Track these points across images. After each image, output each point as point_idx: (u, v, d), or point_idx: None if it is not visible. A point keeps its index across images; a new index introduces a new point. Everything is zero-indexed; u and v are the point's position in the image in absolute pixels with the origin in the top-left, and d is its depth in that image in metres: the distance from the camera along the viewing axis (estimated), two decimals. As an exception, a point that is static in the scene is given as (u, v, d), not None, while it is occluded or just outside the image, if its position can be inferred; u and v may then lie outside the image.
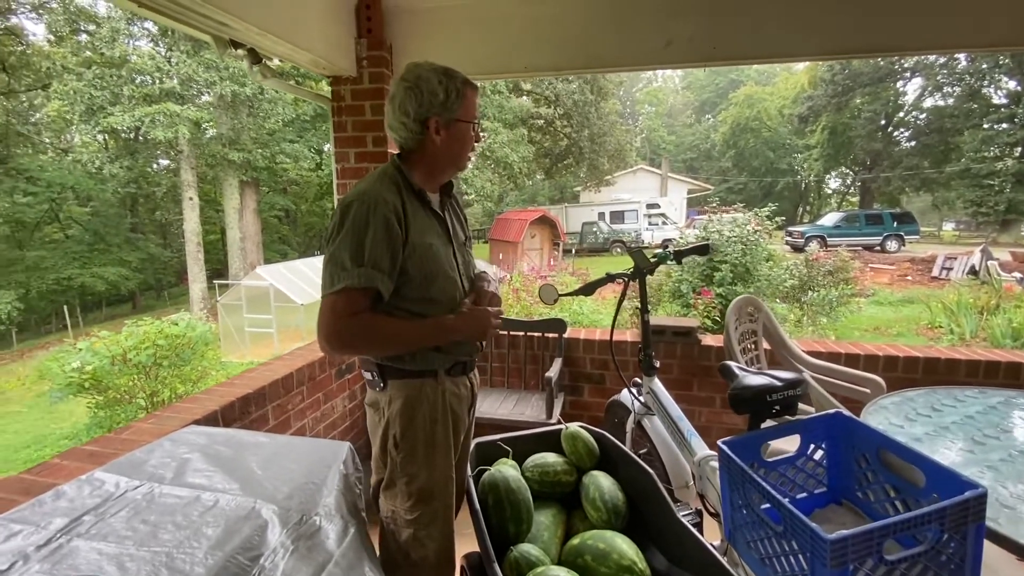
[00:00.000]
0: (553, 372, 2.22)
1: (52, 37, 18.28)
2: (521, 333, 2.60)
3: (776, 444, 1.57)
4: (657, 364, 1.91)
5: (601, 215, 22.44)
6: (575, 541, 1.39)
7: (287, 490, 1.19)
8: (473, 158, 1.25)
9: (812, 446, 1.17)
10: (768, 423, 1.28)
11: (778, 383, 1.19)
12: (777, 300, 7.84)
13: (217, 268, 19.77)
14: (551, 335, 2.56)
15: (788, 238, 17.82)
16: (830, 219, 18.74)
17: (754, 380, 1.23)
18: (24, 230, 19.10)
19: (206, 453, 1.35)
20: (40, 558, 0.97)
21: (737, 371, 1.32)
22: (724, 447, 1.08)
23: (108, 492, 1.17)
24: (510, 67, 2.48)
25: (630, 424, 2.11)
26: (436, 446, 1.24)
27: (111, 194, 20.48)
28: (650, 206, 22.24)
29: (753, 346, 2.19)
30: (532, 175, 26.32)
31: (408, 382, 1.23)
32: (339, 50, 2.42)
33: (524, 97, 21.44)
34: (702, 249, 1.86)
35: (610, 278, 1.82)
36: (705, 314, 6.31)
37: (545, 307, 7.06)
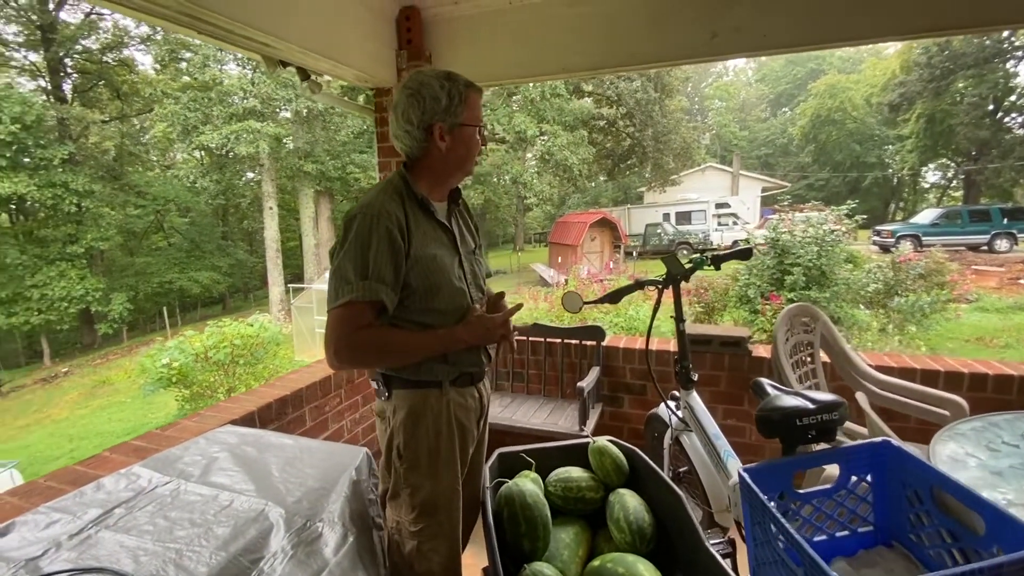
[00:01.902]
0: (587, 382, 2.14)
1: (158, 66, 20.44)
2: (558, 340, 2.53)
3: (829, 471, 1.41)
4: (695, 377, 1.79)
5: (666, 216, 21.66)
6: (595, 563, 1.32)
7: (298, 494, 1.22)
8: (480, 162, 1.23)
9: (854, 478, 1.03)
10: (807, 449, 1.14)
11: (811, 405, 1.06)
12: (860, 306, 7.18)
13: (296, 273, 21.13)
14: (589, 342, 2.48)
15: (876, 238, 16.29)
16: (926, 216, 16.92)
17: (785, 401, 1.10)
18: (134, 239, 21.43)
19: (234, 453, 1.42)
20: (71, 547, 1.05)
21: (769, 389, 1.19)
22: (744, 475, 0.98)
23: (141, 487, 1.25)
24: (549, 69, 2.44)
25: (668, 440, 1.99)
26: (440, 458, 1.22)
27: (205, 205, 22.53)
28: (719, 205, 21.17)
29: (809, 359, 1.99)
30: (593, 177, 25.98)
31: (412, 392, 1.21)
32: (379, 62, 2.49)
33: (586, 99, 21.23)
34: (744, 253, 1.72)
35: (638, 285, 1.72)
36: (774, 322, 5.90)
37: (610, 309, 6.91)
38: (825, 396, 1.08)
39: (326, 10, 2.13)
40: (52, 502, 1.19)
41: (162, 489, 1.24)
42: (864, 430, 1.55)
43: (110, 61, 21.96)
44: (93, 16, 20.19)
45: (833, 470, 1.15)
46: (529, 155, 21.65)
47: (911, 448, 1.00)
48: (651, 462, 1.52)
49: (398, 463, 1.21)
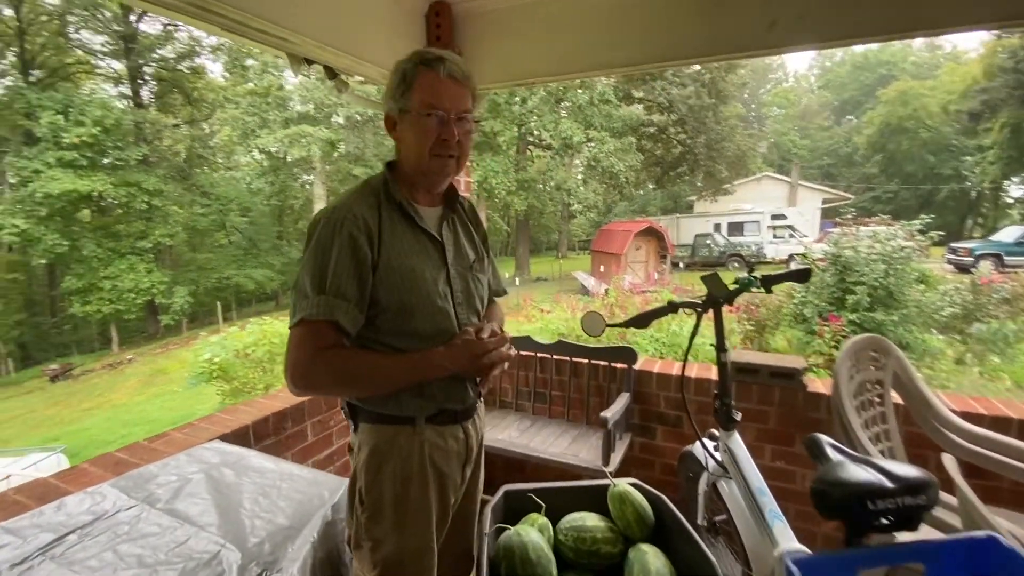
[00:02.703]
0: (613, 411, 1.92)
1: (227, 73, 21.64)
2: (584, 360, 2.32)
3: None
4: (737, 417, 1.54)
5: (717, 226, 20.75)
6: None
7: (263, 533, 1.08)
8: (456, 154, 1.02)
9: (945, 582, 0.77)
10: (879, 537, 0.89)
11: (888, 483, 0.80)
12: (933, 331, 6.50)
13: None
14: (619, 365, 2.25)
15: (951, 256, 14.94)
16: (1010, 234, 15.38)
17: (851, 472, 0.86)
18: (197, 236, 22.66)
19: (210, 475, 1.30)
20: (8, 579, 0.94)
21: (829, 451, 0.94)
22: (793, 568, 0.75)
23: (103, 510, 1.14)
24: (586, 65, 2.24)
25: (703, 484, 1.74)
26: (408, 509, 1.03)
27: (262, 206, 23.57)
28: (775, 217, 20.09)
29: (877, 400, 1.69)
30: (641, 185, 25.37)
31: (378, 428, 1.04)
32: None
33: (636, 105, 20.77)
34: (800, 275, 1.45)
35: (672, 307, 1.49)
36: (833, 343, 5.41)
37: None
38: (908, 470, 0.82)
39: (352, 6, 2.02)
40: (10, 520, 1.10)
41: (124, 515, 1.13)
42: (951, 499, 1.25)
43: (183, 69, 23.47)
44: (170, 27, 21.61)
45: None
46: (576, 161, 21.38)
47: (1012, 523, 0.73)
48: (681, 516, 1.29)
49: (359, 510, 1.03)
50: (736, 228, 20.45)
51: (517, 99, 16.14)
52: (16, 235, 16.16)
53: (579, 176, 20.61)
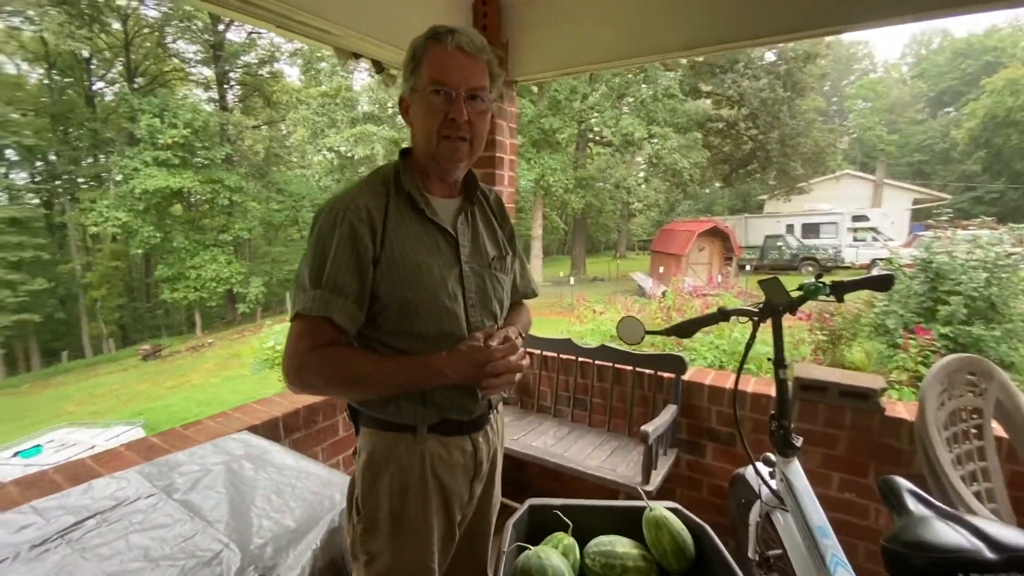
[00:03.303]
0: (655, 425, 1.76)
1: (303, 76, 22.87)
2: (628, 367, 2.16)
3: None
4: (798, 442, 1.35)
5: (790, 228, 19.38)
6: None
7: (268, 535, 1.04)
8: (468, 136, 0.92)
9: None
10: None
11: (989, 554, 0.62)
12: (1045, 350, 5.69)
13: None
14: (667, 374, 2.08)
15: (1070, 265, 13.13)
16: None
17: (939, 533, 0.68)
18: (272, 230, 24.14)
19: (230, 468, 1.29)
20: (26, 559, 0.96)
21: (910, 500, 0.76)
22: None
23: (124, 496, 1.16)
24: (640, 50, 2.09)
25: (756, 514, 1.55)
26: (405, 525, 0.94)
27: (331, 202, 24.68)
28: (856, 218, 18.50)
29: (975, 433, 1.43)
30: (707, 183, 24.28)
31: (377, 434, 0.96)
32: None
33: (704, 100, 19.88)
34: (881, 283, 1.24)
35: (723, 315, 1.32)
36: (919, 359, 4.86)
37: (710, 329, 6.21)
38: (1016, 536, 0.64)
39: (398, -2, 1.99)
40: (40, 500, 1.14)
41: (142, 503, 1.14)
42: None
43: (264, 74, 25.06)
44: (253, 35, 23.11)
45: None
46: (639, 159, 20.77)
47: None
48: (725, 552, 1.14)
49: (355, 519, 0.97)
50: (811, 230, 19.02)
51: (578, 95, 15.88)
52: (119, 227, 17.92)
53: (640, 174, 20.00)
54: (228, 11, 1.67)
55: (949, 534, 0.66)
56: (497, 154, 2.38)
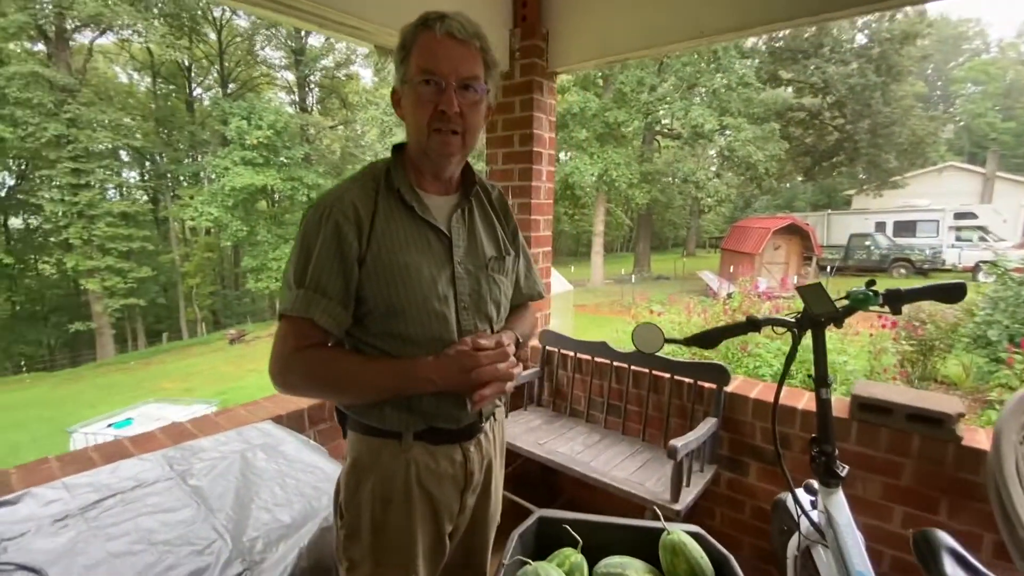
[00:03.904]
0: (689, 438, 1.62)
1: (376, 78, 23.85)
2: (666, 374, 2.02)
3: None
4: (843, 471, 1.19)
5: (880, 225, 17.60)
6: None
7: (263, 528, 1.06)
8: (460, 129, 0.86)
9: None
10: None
11: None
12: None
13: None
14: (708, 384, 1.92)
15: None
16: None
17: None
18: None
19: (244, 457, 1.33)
20: (45, 533, 1.02)
21: (948, 563, 0.62)
22: None
23: (145, 478, 1.22)
24: (681, 34, 1.94)
25: (794, 547, 1.39)
26: (387, 535, 0.91)
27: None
28: (960, 215, 16.51)
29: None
30: (787, 177, 22.70)
31: (363, 439, 0.93)
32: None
33: (784, 88, 18.58)
34: (947, 292, 1.05)
35: (753, 325, 1.18)
36: (1026, 378, 4.25)
37: (771, 334, 5.77)
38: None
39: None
40: (72, 476, 1.22)
41: (159, 486, 1.20)
42: None
43: (341, 76, 26.38)
44: (332, 40, 24.38)
45: None
46: (711, 152, 19.78)
47: None
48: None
49: (338, 524, 0.95)
50: (906, 228, 17.19)
51: (645, 87, 15.35)
52: (211, 221, 19.62)
53: (712, 168, 19.02)
54: (260, 10, 1.72)
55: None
56: (535, 148, 2.31)
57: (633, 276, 17.66)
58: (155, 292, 22.49)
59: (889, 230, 17.26)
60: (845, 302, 1.12)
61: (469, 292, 0.94)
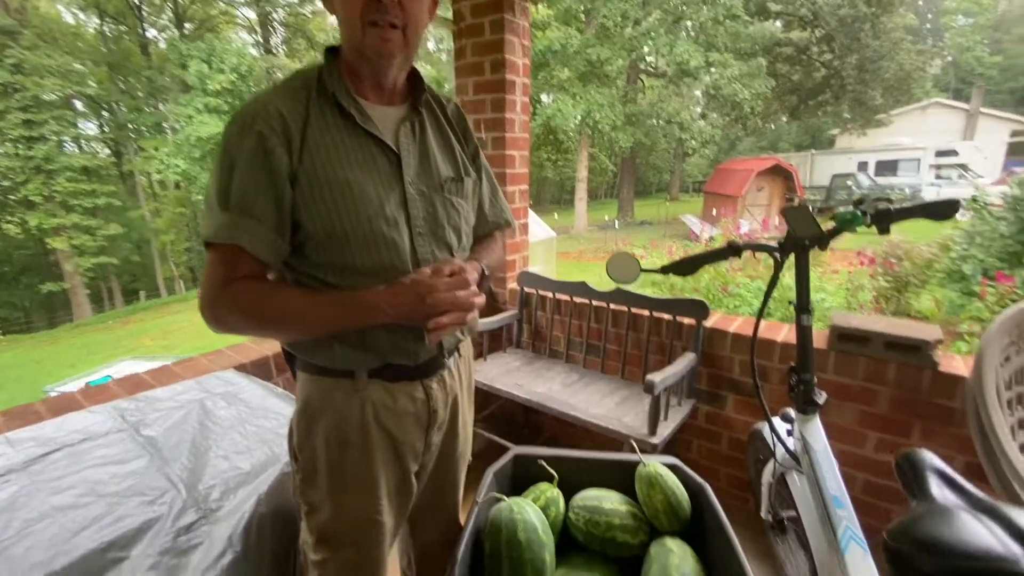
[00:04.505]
0: (666, 373, 1.60)
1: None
2: (645, 312, 1.98)
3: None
4: (820, 399, 1.17)
5: (863, 165, 17.50)
6: None
7: (219, 478, 1.00)
8: (400, 23, 0.74)
9: None
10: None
11: None
12: None
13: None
14: (687, 320, 1.89)
15: None
16: None
17: (964, 530, 0.50)
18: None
19: (203, 406, 1.27)
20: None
21: (934, 483, 0.59)
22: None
23: (94, 431, 1.15)
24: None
25: (769, 475, 1.40)
26: (346, 478, 0.86)
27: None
28: (941, 153, 16.46)
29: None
30: (772, 116, 22.33)
31: (312, 379, 0.86)
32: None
33: (774, 21, 17.89)
34: (940, 209, 0.99)
35: (734, 250, 1.11)
36: (998, 309, 4.35)
37: (754, 272, 5.81)
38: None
39: None
40: (15, 431, 1.15)
41: (113, 436, 1.13)
42: None
43: (306, 13, 24.63)
44: (294, -29, 22.60)
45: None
46: (696, 92, 19.23)
47: None
48: (722, 515, 1.00)
49: (294, 467, 0.89)
50: (887, 167, 17.14)
51: (629, 20, 14.63)
52: (179, 174, 18.73)
53: (697, 109, 18.55)
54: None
55: (978, 533, 0.49)
56: (508, 76, 2.15)
57: (616, 222, 17.53)
58: (128, 250, 21.80)
59: (871, 170, 17.23)
60: (831, 224, 1.06)
61: (423, 216, 0.85)
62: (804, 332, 1.13)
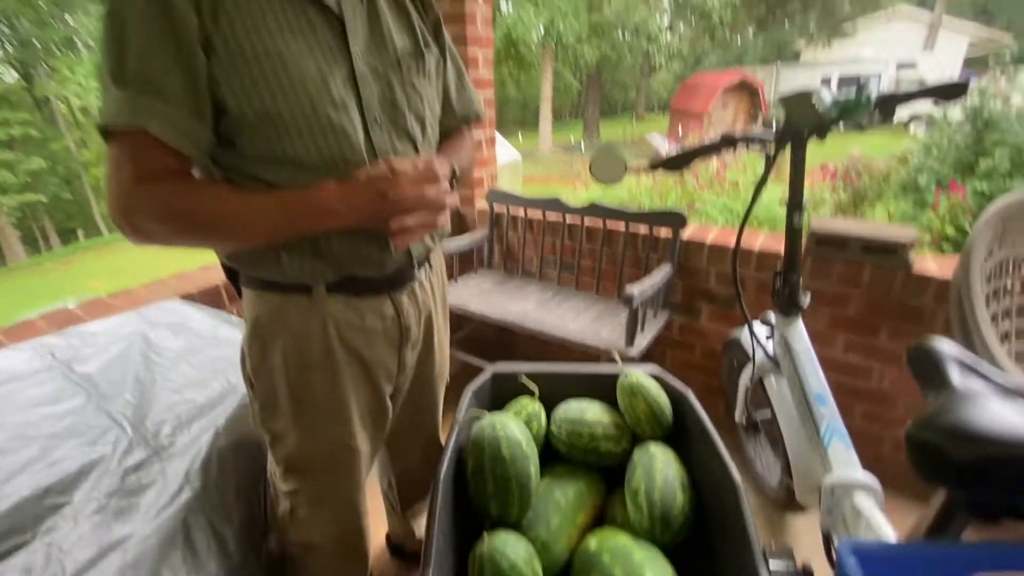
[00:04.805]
0: (643, 287, 1.56)
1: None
2: (621, 226, 1.91)
3: None
4: (804, 301, 1.14)
5: (825, 81, 17.43)
6: (591, 542, 0.90)
7: (169, 414, 0.90)
8: None
9: None
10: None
11: None
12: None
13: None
14: (664, 232, 1.83)
15: None
16: None
17: (997, 416, 0.47)
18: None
19: (146, 338, 1.14)
20: None
21: (955, 372, 0.55)
22: (849, 561, 0.43)
23: (18, 371, 1.02)
24: None
25: (746, 379, 1.41)
26: (311, 404, 0.77)
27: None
28: (902, 66, 16.47)
29: (1019, 289, 1.20)
30: (739, 28, 21.53)
31: (260, 296, 0.74)
32: None
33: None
34: (947, 92, 0.91)
35: (728, 142, 1.02)
36: (949, 220, 4.51)
37: (722, 190, 5.80)
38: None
39: None
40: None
41: (43, 376, 1.00)
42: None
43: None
44: None
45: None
46: (664, 1, 18.19)
47: None
48: (706, 419, 0.98)
49: (251, 395, 0.80)
50: (849, 83, 17.08)
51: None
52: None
53: (664, 20, 17.63)
54: None
55: (1009, 417, 0.46)
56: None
57: (582, 144, 17.10)
58: (56, 186, 19.96)
59: (834, 85, 17.14)
60: (832, 110, 0.97)
61: (379, 100, 0.70)
62: (794, 233, 1.08)
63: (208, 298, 1.47)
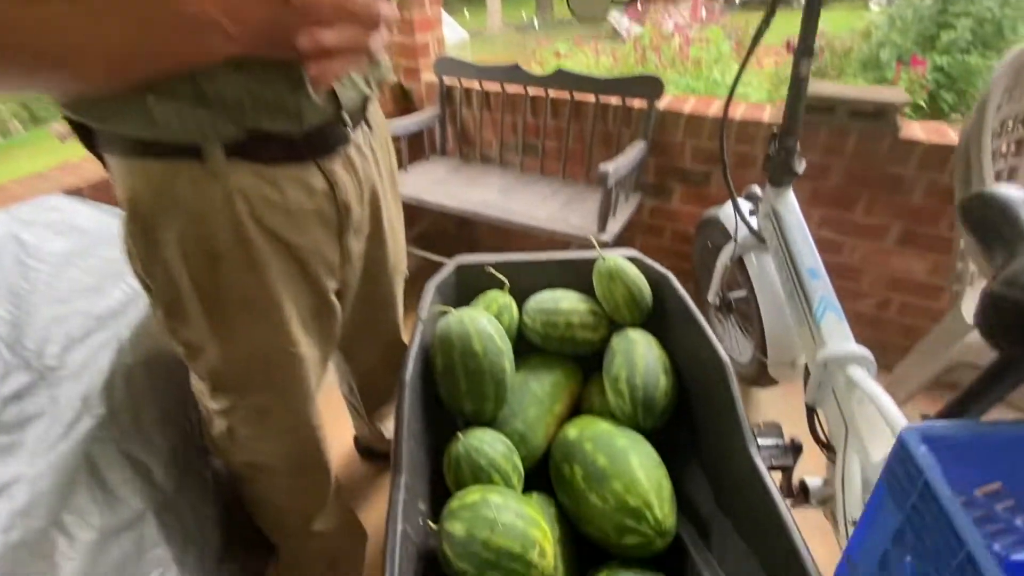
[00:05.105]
0: (617, 165, 1.41)
1: None
2: (590, 97, 1.70)
3: None
4: (800, 167, 1.03)
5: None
6: (571, 433, 0.84)
7: (55, 330, 0.72)
8: None
9: None
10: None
11: None
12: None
13: None
14: (637, 104, 1.64)
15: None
16: None
17: None
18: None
19: (20, 241, 0.91)
20: None
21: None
22: (916, 445, 0.35)
23: None
24: None
25: (726, 257, 1.34)
26: (231, 304, 0.60)
27: None
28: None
29: (1013, 152, 1.13)
30: None
31: (132, 164, 0.53)
32: None
33: None
34: None
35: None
36: (911, 95, 4.46)
37: (685, 68, 5.46)
38: None
39: None
40: None
41: None
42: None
43: None
44: None
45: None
46: None
47: None
48: (687, 298, 0.90)
49: (149, 298, 0.62)
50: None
51: None
52: None
53: None
54: None
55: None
56: None
57: (536, 20, 15.65)
58: (-81, 81, 16.89)
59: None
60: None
61: None
62: (799, 85, 0.93)
63: (101, 194, 1.21)
